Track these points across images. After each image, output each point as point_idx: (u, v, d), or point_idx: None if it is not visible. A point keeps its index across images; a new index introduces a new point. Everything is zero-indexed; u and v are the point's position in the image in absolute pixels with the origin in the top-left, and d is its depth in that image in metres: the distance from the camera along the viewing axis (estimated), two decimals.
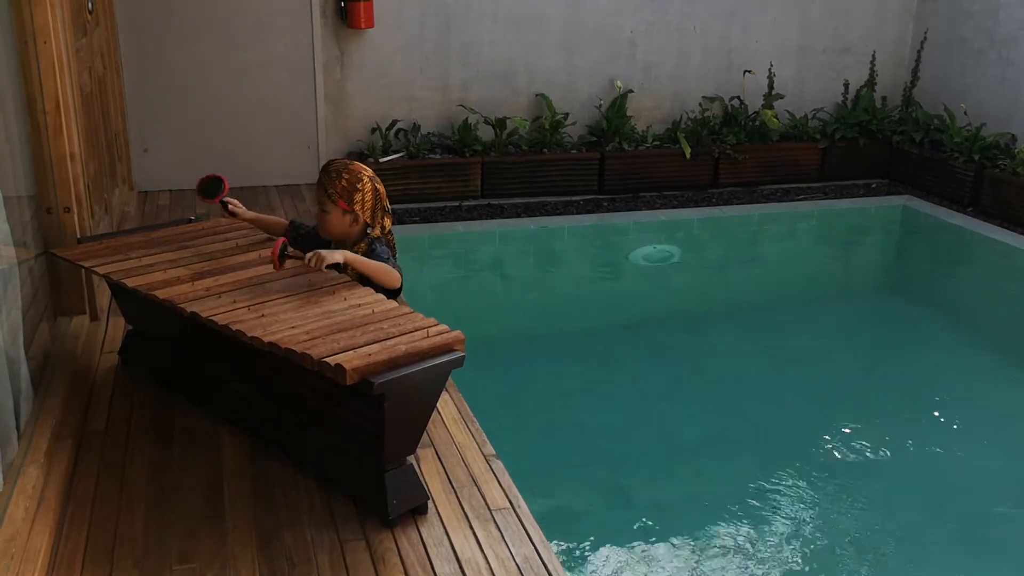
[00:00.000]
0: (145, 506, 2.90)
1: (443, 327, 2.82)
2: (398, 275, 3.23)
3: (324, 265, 3.11)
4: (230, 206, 3.62)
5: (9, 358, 2.98)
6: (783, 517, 3.97)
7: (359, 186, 3.29)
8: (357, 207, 3.29)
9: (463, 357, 2.74)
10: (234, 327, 2.84)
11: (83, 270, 3.71)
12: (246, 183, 6.66)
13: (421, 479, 2.93)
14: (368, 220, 3.33)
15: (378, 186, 3.35)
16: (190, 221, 3.94)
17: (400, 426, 2.74)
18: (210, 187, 3.62)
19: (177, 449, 3.22)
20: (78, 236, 3.92)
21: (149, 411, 3.46)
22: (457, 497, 2.97)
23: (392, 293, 3.24)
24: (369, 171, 3.36)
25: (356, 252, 3.29)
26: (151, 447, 3.23)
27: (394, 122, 6.95)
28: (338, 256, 3.15)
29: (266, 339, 2.74)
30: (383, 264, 3.23)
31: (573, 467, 4.39)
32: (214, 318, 2.91)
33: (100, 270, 3.36)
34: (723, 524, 3.91)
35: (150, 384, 3.64)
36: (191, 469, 3.10)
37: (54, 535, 2.70)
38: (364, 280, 3.22)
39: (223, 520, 2.84)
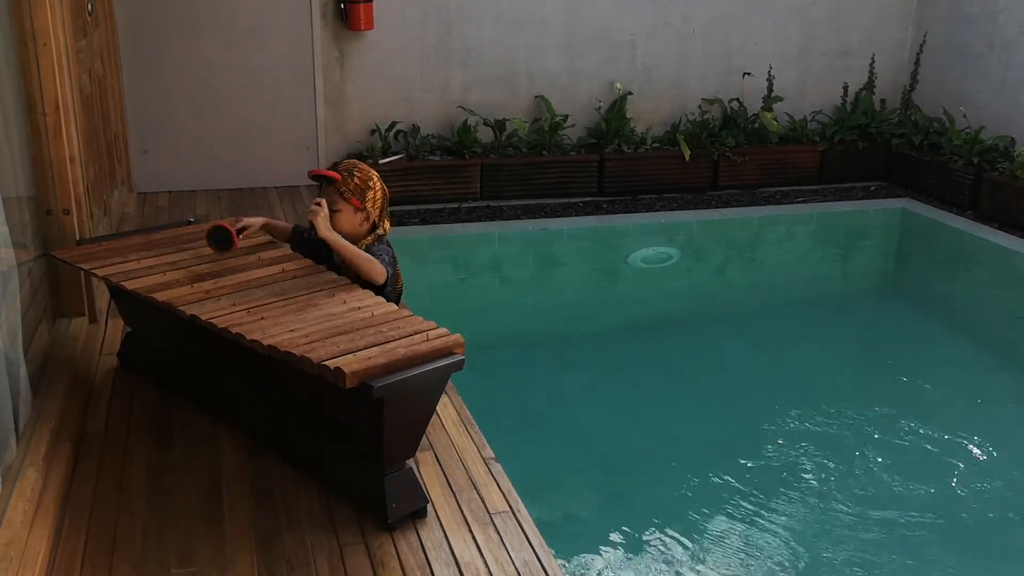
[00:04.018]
0: (144, 508, 2.90)
1: (443, 330, 2.82)
2: (381, 268, 3.21)
3: (314, 218, 3.18)
4: (242, 233, 3.48)
5: (8, 360, 2.98)
6: (783, 521, 3.96)
7: (371, 184, 3.31)
8: (369, 205, 3.31)
9: (463, 360, 2.74)
10: (233, 330, 2.83)
11: (82, 272, 3.71)
12: (245, 184, 6.66)
13: (420, 482, 2.93)
14: (376, 219, 3.34)
15: (384, 186, 3.37)
16: (190, 223, 3.94)
17: (399, 429, 2.74)
18: (219, 241, 3.42)
19: (176, 451, 3.22)
20: (77, 238, 3.92)
21: (148, 413, 3.46)
22: (456, 501, 2.97)
23: (378, 289, 3.23)
24: (374, 170, 3.38)
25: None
26: (150, 449, 3.23)
27: (393, 123, 6.95)
28: (323, 231, 3.19)
29: (265, 342, 2.74)
30: (366, 254, 3.22)
31: (572, 471, 4.38)
32: (213, 321, 2.91)
33: (99, 272, 3.36)
34: (723, 528, 3.91)
35: (149, 386, 3.64)
36: (190, 471, 3.10)
37: (53, 538, 2.70)
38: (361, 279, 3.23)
39: (222, 523, 2.83)
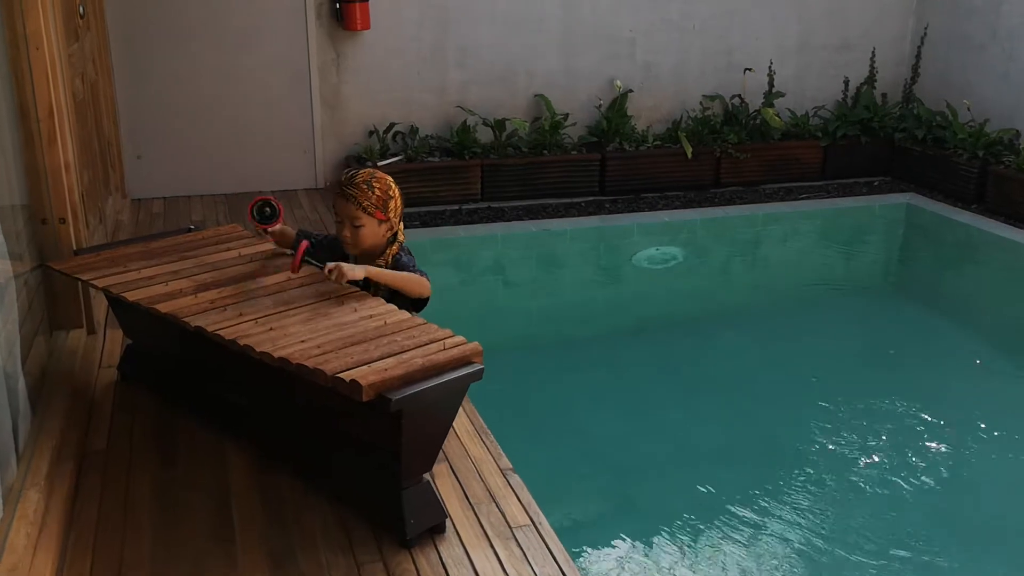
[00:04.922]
0: (151, 529, 2.79)
1: (460, 339, 2.72)
2: (426, 282, 3.10)
3: (344, 280, 2.98)
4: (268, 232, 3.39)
5: (6, 374, 2.87)
6: (801, 525, 3.88)
7: (391, 193, 3.17)
8: (392, 215, 3.17)
9: (482, 370, 2.64)
10: (241, 342, 2.73)
11: (79, 282, 3.59)
12: (241, 189, 6.55)
13: (438, 497, 2.82)
14: (396, 227, 3.22)
15: (399, 190, 3.24)
16: (189, 230, 3.83)
17: (417, 443, 2.63)
18: (264, 212, 3.34)
19: (182, 467, 3.11)
20: (74, 248, 3.81)
21: (151, 428, 3.35)
22: (475, 514, 2.87)
23: (421, 303, 3.12)
24: (389, 176, 3.24)
25: (384, 261, 3.17)
26: (155, 466, 3.12)
27: (392, 125, 6.84)
28: (359, 272, 3.01)
29: (276, 354, 2.63)
30: (410, 273, 3.10)
31: (583, 477, 4.29)
32: (220, 332, 2.80)
33: (99, 283, 3.25)
34: (740, 535, 3.82)
35: (151, 399, 3.53)
36: (197, 488, 2.99)
37: (57, 562, 2.59)
38: (394, 295, 3.10)
39: (232, 543, 2.73)
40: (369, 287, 3.14)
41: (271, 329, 2.80)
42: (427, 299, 3.14)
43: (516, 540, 2.75)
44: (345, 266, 2.99)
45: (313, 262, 3.14)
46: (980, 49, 7.37)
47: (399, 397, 2.44)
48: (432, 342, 2.69)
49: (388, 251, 3.18)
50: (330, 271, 2.99)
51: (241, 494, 2.96)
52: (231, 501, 2.92)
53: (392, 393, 2.45)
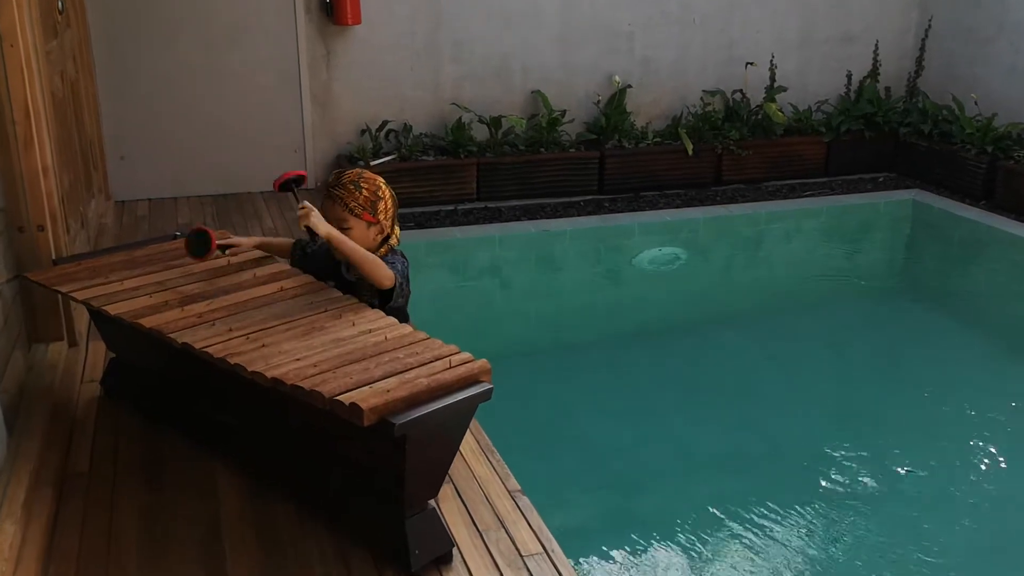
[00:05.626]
0: (136, 560, 2.61)
1: (466, 355, 2.54)
2: (389, 271, 2.91)
3: (304, 224, 2.85)
4: (228, 250, 3.25)
5: None
6: (812, 534, 3.74)
7: (380, 194, 3.02)
8: (381, 216, 3.01)
9: (491, 390, 2.46)
10: (232, 360, 2.54)
11: (60, 294, 3.39)
12: (230, 190, 6.36)
13: (444, 524, 2.63)
14: (388, 229, 3.04)
15: (392, 192, 3.08)
16: (175, 237, 3.63)
17: (423, 469, 2.45)
18: (197, 244, 3.18)
19: (169, 492, 2.92)
20: (53, 257, 3.60)
21: (137, 448, 3.16)
22: (484, 542, 2.68)
23: (385, 296, 2.94)
24: (379, 176, 3.08)
25: None
26: (140, 490, 2.93)
27: (384, 123, 6.65)
28: (323, 227, 2.87)
29: (269, 374, 2.45)
30: (371, 255, 2.91)
31: (586, 490, 4.12)
32: (208, 349, 2.61)
33: (80, 296, 3.05)
34: (755, 553, 3.66)
35: (136, 417, 3.33)
36: (186, 516, 2.80)
37: None
38: (355, 289, 2.95)
39: (224, 575, 2.54)
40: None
41: (263, 346, 2.62)
42: (391, 293, 2.95)
43: (528, 570, 2.57)
44: (314, 214, 2.88)
45: (295, 192, 3.02)
46: (986, 42, 7.21)
47: (403, 421, 2.26)
48: (437, 359, 2.51)
49: (376, 253, 2.99)
50: (302, 207, 2.89)
51: (232, 521, 2.77)
52: (222, 529, 2.73)
53: (396, 417, 2.26)
